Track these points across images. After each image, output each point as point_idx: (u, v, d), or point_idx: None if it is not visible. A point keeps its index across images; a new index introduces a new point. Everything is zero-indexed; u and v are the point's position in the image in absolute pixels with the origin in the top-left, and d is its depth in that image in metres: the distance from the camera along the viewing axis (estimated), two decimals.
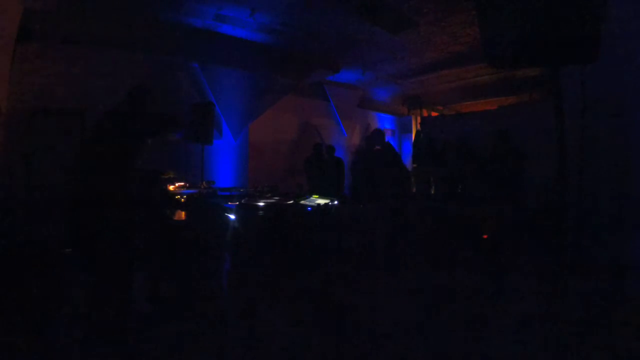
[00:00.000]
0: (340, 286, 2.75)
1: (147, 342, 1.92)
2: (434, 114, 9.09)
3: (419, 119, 8.81)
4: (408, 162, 8.00)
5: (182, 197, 3.24)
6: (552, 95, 1.66)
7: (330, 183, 6.07)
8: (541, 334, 1.94)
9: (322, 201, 3.08)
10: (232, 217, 2.71)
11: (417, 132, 7.77)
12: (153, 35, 4.61)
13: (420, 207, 4.21)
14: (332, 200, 3.13)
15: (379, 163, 5.06)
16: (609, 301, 2.31)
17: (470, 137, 5.58)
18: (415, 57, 5.99)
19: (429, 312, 2.35)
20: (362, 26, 4.66)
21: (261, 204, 2.87)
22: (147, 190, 2.43)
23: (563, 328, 1.90)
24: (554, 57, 1.56)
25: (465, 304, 2.45)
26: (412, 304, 2.48)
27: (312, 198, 3.26)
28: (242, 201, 2.99)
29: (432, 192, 5.89)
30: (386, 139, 5.16)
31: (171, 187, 3.57)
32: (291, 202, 3.04)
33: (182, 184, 3.68)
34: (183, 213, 3.11)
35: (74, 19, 4.13)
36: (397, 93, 8.40)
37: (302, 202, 3.08)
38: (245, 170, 6.17)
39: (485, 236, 3.33)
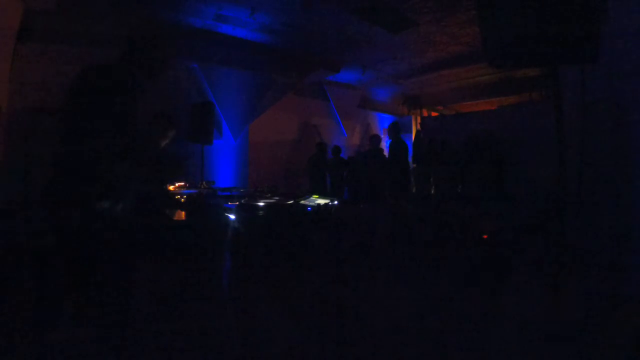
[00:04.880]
0: (340, 286, 2.75)
1: (146, 341, 1.93)
2: (434, 114, 9.10)
3: (419, 119, 8.81)
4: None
5: (182, 197, 3.24)
6: (552, 95, 1.66)
7: (332, 183, 6.10)
8: (541, 334, 1.94)
9: (322, 201, 3.08)
10: (232, 217, 2.71)
11: (417, 132, 7.78)
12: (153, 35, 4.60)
13: (420, 207, 4.21)
14: (332, 200, 3.13)
15: (380, 163, 5.08)
16: (608, 301, 2.31)
17: (470, 137, 5.58)
18: (415, 57, 6.00)
19: (429, 312, 2.35)
20: (362, 26, 4.66)
21: (261, 204, 2.87)
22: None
23: (563, 328, 1.90)
24: (554, 57, 1.56)
25: (465, 304, 2.45)
26: (413, 304, 2.48)
27: (312, 198, 3.26)
28: (242, 201, 2.99)
29: (432, 192, 5.90)
30: (385, 141, 5.21)
31: (171, 187, 3.57)
32: (291, 202, 3.04)
33: (182, 184, 3.68)
34: (183, 213, 3.11)
35: (74, 19, 4.13)
36: (397, 93, 8.41)
37: (302, 202, 3.08)
38: (245, 170, 6.18)
39: (485, 236, 3.33)
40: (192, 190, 3.52)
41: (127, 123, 1.53)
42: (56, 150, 1.49)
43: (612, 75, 2.92)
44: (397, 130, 5.17)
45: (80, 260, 1.62)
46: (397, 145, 5.14)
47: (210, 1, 4.04)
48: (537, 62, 1.75)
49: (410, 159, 5.83)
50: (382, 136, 7.44)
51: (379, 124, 9.11)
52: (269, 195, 3.33)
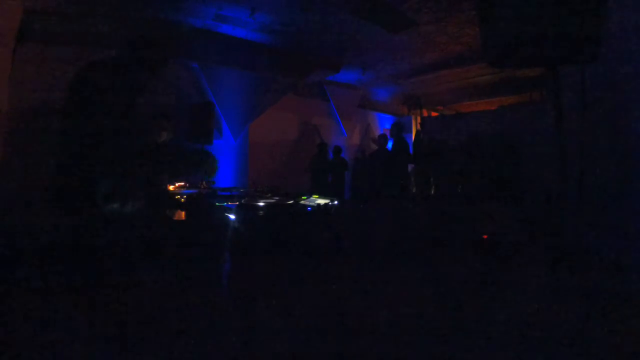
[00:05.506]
0: (340, 286, 2.75)
1: (146, 341, 1.92)
2: (434, 114, 9.10)
3: (419, 119, 8.81)
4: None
5: (182, 197, 3.25)
6: (552, 95, 1.66)
7: (333, 183, 6.10)
8: (541, 334, 1.94)
9: (322, 201, 3.08)
10: (232, 217, 2.71)
11: (417, 132, 7.78)
12: (153, 36, 4.61)
13: (420, 207, 4.21)
14: (332, 200, 3.14)
15: (382, 163, 5.09)
16: (609, 301, 2.31)
17: (470, 137, 5.59)
18: (415, 57, 5.99)
19: (429, 312, 2.35)
20: (362, 26, 4.66)
21: (261, 204, 2.87)
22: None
23: (563, 328, 1.90)
24: (554, 57, 1.56)
25: (464, 304, 2.44)
26: (413, 304, 2.48)
27: (312, 198, 3.26)
28: (242, 201, 3.00)
29: (432, 192, 5.90)
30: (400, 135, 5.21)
31: (171, 187, 3.57)
32: (291, 202, 3.04)
33: (182, 184, 3.68)
34: (183, 213, 3.11)
35: (74, 19, 4.13)
36: (397, 93, 8.41)
37: (302, 202, 3.08)
38: (245, 170, 6.18)
39: (485, 236, 3.33)
40: (192, 190, 3.52)
41: (134, 122, 1.50)
42: (61, 150, 1.45)
43: (612, 75, 2.92)
44: (399, 129, 5.18)
45: (85, 260, 1.61)
46: (400, 144, 5.15)
47: (210, 1, 4.04)
48: (537, 62, 1.75)
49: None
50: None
51: (379, 124, 9.11)
52: (269, 195, 3.33)
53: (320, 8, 4.16)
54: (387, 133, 5.42)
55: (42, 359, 1.77)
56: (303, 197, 3.26)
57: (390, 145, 5.49)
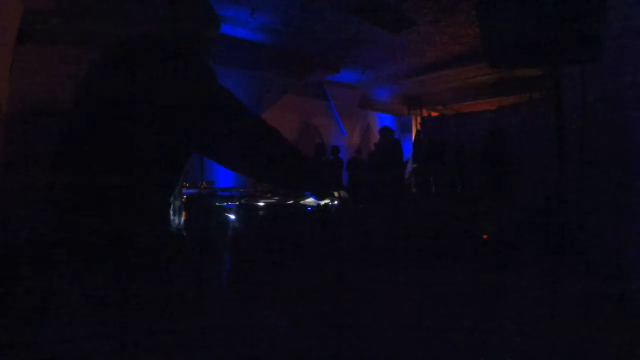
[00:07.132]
0: (340, 286, 2.75)
1: (146, 341, 1.92)
2: (434, 114, 9.10)
3: (419, 119, 8.82)
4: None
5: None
6: (552, 95, 1.66)
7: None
8: (540, 333, 1.94)
9: (322, 201, 3.08)
10: (232, 217, 2.71)
11: (417, 132, 7.78)
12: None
13: (420, 206, 4.21)
14: (332, 200, 3.13)
15: (382, 162, 5.07)
16: (608, 301, 2.31)
17: (470, 137, 5.59)
18: (415, 57, 6.00)
19: (429, 311, 2.35)
20: (362, 26, 4.67)
21: (261, 204, 2.87)
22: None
23: (562, 328, 1.90)
24: (554, 57, 1.56)
25: (465, 304, 2.45)
26: (413, 304, 2.48)
27: (312, 198, 3.26)
28: (242, 201, 3.00)
29: (432, 191, 5.91)
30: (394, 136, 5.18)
31: None
32: (291, 202, 3.04)
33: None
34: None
35: (74, 19, 4.13)
36: (397, 93, 8.42)
37: (302, 202, 3.08)
38: None
39: (485, 236, 3.34)
40: (192, 190, 3.52)
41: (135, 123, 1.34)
42: (62, 151, 1.33)
43: (612, 75, 2.92)
44: (390, 133, 5.14)
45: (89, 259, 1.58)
46: (395, 146, 5.13)
47: (210, 1, 4.04)
48: (537, 62, 1.75)
49: (404, 159, 5.78)
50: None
51: (379, 124, 9.12)
52: (269, 195, 3.33)
53: (320, 8, 4.16)
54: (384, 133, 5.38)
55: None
56: (303, 197, 3.26)
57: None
